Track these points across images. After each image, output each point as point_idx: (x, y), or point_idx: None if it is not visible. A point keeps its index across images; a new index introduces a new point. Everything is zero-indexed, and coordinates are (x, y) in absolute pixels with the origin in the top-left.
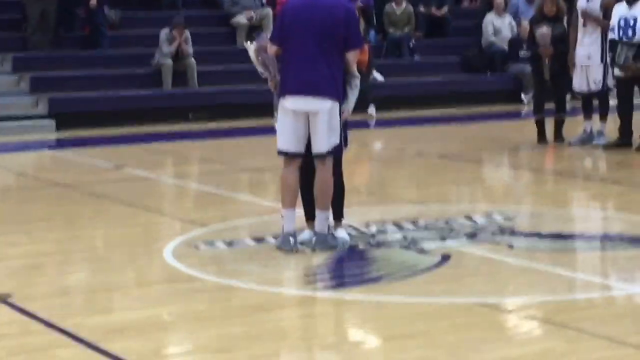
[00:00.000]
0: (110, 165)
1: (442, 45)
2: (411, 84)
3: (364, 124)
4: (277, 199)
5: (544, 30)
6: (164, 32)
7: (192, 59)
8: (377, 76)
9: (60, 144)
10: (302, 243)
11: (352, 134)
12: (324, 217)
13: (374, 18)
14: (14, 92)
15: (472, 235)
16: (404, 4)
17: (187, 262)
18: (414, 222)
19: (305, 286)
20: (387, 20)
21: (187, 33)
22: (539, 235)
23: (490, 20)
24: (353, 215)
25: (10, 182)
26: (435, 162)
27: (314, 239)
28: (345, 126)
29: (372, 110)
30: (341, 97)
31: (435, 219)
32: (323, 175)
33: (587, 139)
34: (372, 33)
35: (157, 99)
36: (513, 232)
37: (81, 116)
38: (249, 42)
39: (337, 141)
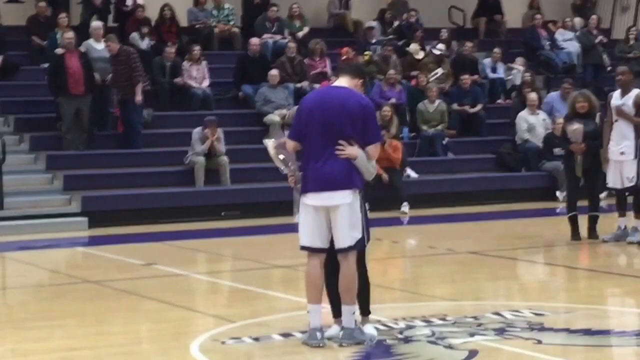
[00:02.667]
0: (141, 262)
1: (475, 143)
2: (445, 181)
3: (397, 221)
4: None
5: (575, 127)
6: (196, 131)
7: (225, 157)
8: (411, 173)
9: (92, 241)
10: (329, 338)
11: (385, 231)
12: (350, 311)
13: (407, 115)
14: (47, 190)
15: (500, 331)
16: (437, 102)
17: (213, 358)
18: (443, 318)
19: None
20: (420, 117)
21: (219, 132)
22: (568, 331)
23: (524, 118)
24: (382, 311)
25: (42, 279)
26: (467, 259)
27: (340, 333)
28: (367, 220)
29: (405, 207)
30: (362, 188)
31: (464, 315)
32: (347, 270)
33: (621, 236)
34: (405, 130)
35: (189, 197)
36: (542, 328)
37: (113, 214)
38: (268, 140)
39: (359, 235)
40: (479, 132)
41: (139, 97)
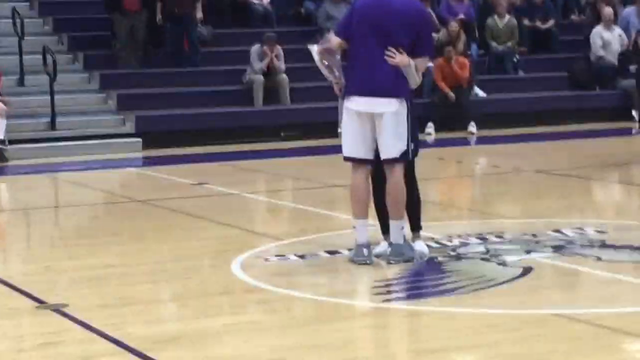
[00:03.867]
0: (194, 182)
1: (547, 60)
2: (515, 100)
3: (464, 141)
4: None
5: None
6: (255, 48)
7: (284, 76)
8: (479, 92)
9: (145, 162)
10: (377, 256)
11: (450, 151)
12: (399, 226)
13: (476, 31)
14: (101, 110)
15: (559, 248)
16: (507, 17)
17: (254, 274)
18: (500, 236)
19: (373, 297)
20: (489, 34)
21: (279, 49)
22: (631, 247)
23: (599, 34)
24: (437, 228)
25: (91, 199)
26: (534, 177)
27: (388, 250)
28: (415, 131)
29: (472, 127)
30: (409, 98)
31: (523, 232)
32: (394, 183)
33: None
34: (473, 47)
35: (248, 117)
36: (604, 245)
37: (168, 135)
38: (312, 45)
39: (405, 146)
40: (551, 49)
41: (200, 14)
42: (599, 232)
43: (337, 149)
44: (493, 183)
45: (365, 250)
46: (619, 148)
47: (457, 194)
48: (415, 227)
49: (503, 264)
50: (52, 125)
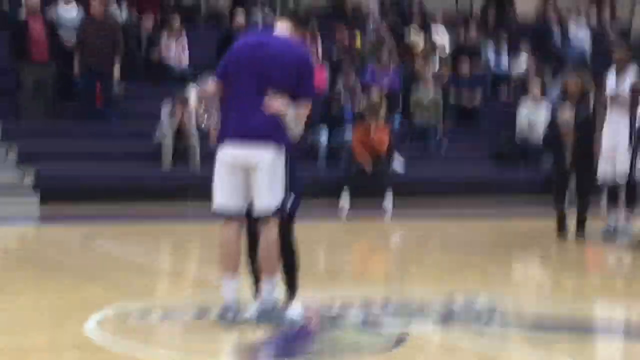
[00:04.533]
0: (80, 240)
1: (471, 135)
2: (435, 174)
3: (378, 213)
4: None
5: (566, 112)
6: (165, 107)
7: (196, 137)
8: (398, 164)
9: (38, 217)
10: (247, 317)
11: (365, 223)
12: (269, 285)
13: (400, 102)
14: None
15: (444, 320)
16: (432, 90)
17: (111, 331)
18: (384, 304)
19: None
20: (414, 105)
21: (191, 109)
22: (520, 322)
23: (525, 110)
24: (325, 294)
25: None
26: (439, 252)
27: (257, 311)
28: (295, 185)
29: (388, 199)
30: (287, 146)
31: (410, 302)
32: (267, 238)
33: (610, 234)
34: (396, 118)
35: (153, 177)
36: (490, 319)
37: (69, 191)
38: (193, 86)
39: (281, 200)
40: (476, 124)
41: (117, 73)
42: (491, 305)
43: None
44: (397, 255)
45: (231, 311)
46: (534, 225)
47: (356, 264)
48: (291, 290)
49: (378, 334)
50: None
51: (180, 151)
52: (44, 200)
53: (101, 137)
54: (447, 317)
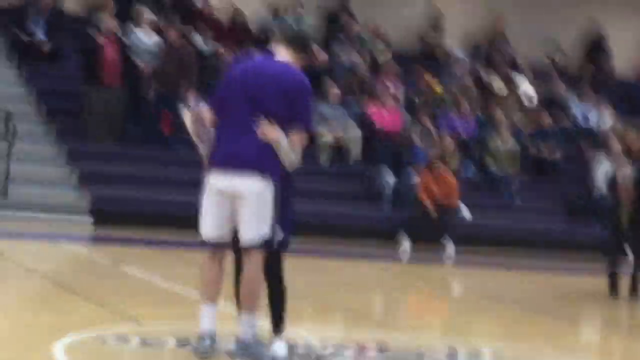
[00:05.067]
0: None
1: (546, 189)
2: (504, 226)
3: (436, 260)
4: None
5: (625, 170)
6: None
7: None
8: (465, 213)
9: (86, 239)
10: (226, 349)
11: (425, 267)
12: (250, 321)
13: (475, 151)
14: (63, 183)
15: None
16: (510, 140)
17: (75, 356)
18: (381, 348)
19: None
20: (488, 155)
21: None
22: None
23: (604, 168)
24: (323, 333)
25: None
26: (479, 303)
27: (235, 346)
28: (287, 217)
29: (450, 248)
30: (277, 178)
31: (411, 348)
32: (249, 272)
33: None
34: (470, 167)
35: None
36: None
37: (123, 214)
38: (186, 109)
39: (267, 232)
40: (552, 177)
41: (190, 101)
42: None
43: None
44: (440, 302)
45: (207, 341)
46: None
47: (385, 307)
48: (277, 326)
49: None
50: (5, 193)
51: None
52: (97, 221)
53: (163, 163)
54: None
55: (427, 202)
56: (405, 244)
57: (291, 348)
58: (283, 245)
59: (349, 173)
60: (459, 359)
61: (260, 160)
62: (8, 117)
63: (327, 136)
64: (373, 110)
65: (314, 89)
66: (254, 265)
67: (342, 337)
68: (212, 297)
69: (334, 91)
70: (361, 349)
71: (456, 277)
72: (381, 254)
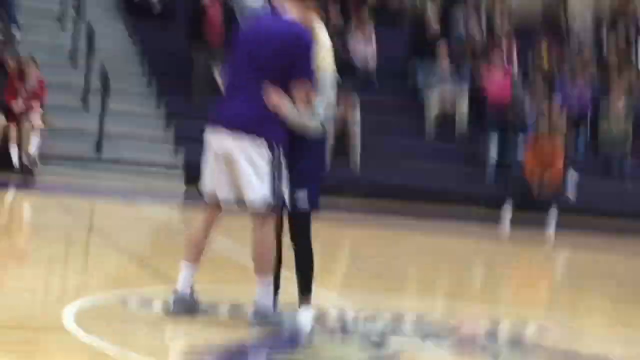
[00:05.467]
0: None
1: None
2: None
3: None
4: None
5: None
6: None
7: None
8: (571, 186)
9: (172, 196)
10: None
11: (519, 244)
12: (262, 284)
13: (588, 127)
14: (158, 139)
15: (466, 342)
16: (624, 120)
17: (85, 317)
18: (414, 318)
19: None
20: (602, 130)
21: (355, 98)
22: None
23: None
24: (369, 302)
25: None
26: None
27: (252, 314)
28: (309, 177)
29: (552, 226)
30: (275, 140)
31: (444, 318)
32: (257, 235)
33: None
34: (581, 143)
35: None
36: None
37: None
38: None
39: (268, 195)
40: None
41: None
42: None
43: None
44: (512, 274)
45: (180, 301)
46: None
47: (477, 281)
48: (303, 294)
49: (376, 345)
50: (98, 147)
51: (341, 149)
52: (190, 181)
53: None
54: (469, 341)
55: (532, 177)
56: (507, 217)
57: (322, 316)
58: (308, 209)
59: (455, 141)
60: (498, 335)
61: (252, 122)
62: (106, 73)
63: (435, 104)
64: (485, 80)
65: (427, 57)
66: (261, 230)
67: (393, 306)
68: (189, 256)
69: (445, 58)
70: (396, 319)
71: (553, 255)
72: (478, 226)
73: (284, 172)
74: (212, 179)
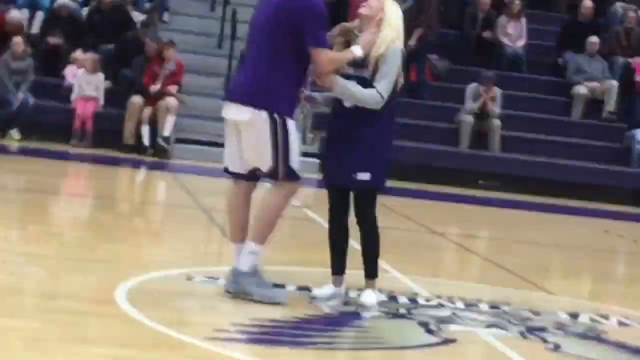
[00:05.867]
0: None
1: None
2: None
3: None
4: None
5: None
6: (471, 88)
7: (497, 120)
8: None
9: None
10: (313, 297)
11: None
12: (249, 249)
13: None
14: None
15: (530, 330)
16: None
17: (143, 288)
18: (473, 304)
19: (214, 335)
20: None
21: (495, 91)
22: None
23: None
24: (438, 287)
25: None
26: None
27: (230, 277)
28: (376, 155)
29: None
30: (277, 110)
31: (517, 306)
32: (262, 199)
33: None
34: None
35: (450, 157)
36: (583, 337)
37: None
38: None
39: (272, 165)
40: None
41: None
42: (592, 320)
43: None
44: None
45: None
46: None
47: (540, 260)
48: (368, 274)
49: (431, 330)
50: None
51: (481, 134)
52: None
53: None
54: (534, 329)
55: None
56: None
57: (392, 298)
58: (374, 188)
59: (600, 127)
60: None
61: (253, 93)
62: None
63: (582, 88)
64: (636, 65)
65: (576, 41)
66: (269, 195)
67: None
68: (235, 236)
69: (592, 40)
70: (469, 305)
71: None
72: (617, 216)
73: (292, 143)
74: (227, 150)
